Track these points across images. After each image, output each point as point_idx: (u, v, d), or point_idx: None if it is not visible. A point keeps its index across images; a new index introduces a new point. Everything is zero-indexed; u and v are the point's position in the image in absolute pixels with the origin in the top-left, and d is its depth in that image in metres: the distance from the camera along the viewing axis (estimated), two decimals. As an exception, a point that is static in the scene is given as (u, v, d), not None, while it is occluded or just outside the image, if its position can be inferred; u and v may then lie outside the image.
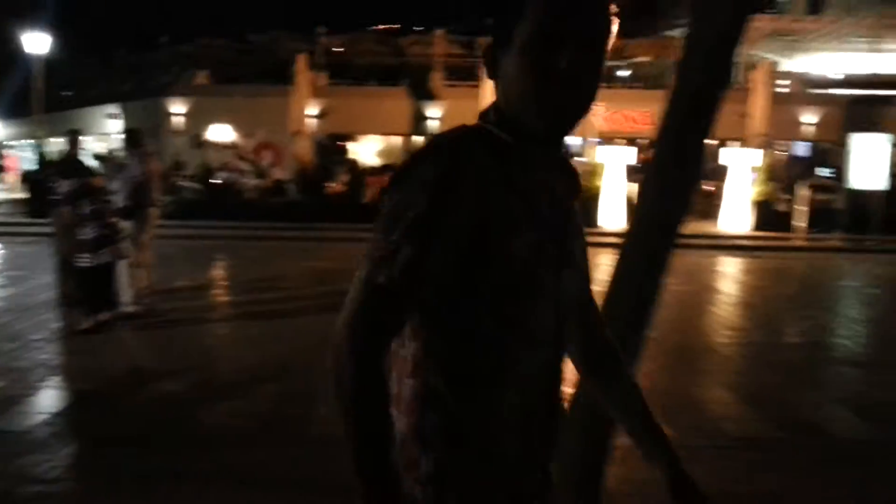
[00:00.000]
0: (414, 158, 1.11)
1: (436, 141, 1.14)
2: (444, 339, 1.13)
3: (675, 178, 2.66)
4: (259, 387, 5.20)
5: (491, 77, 1.19)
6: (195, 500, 3.46)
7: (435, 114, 22.42)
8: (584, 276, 1.32)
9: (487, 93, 17.83)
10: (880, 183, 14.79)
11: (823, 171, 18.59)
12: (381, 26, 43.65)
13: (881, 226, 14.53)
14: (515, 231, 1.10)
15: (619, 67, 27.81)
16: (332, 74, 23.80)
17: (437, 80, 22.95)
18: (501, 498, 1.18)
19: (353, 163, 19.94)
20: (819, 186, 15.81)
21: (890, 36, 21.05)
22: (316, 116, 21.02)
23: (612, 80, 26.59)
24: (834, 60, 25.20)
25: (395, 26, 43.05)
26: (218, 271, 10.57)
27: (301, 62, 19.86)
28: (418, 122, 22.60)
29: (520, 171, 1.13)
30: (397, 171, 1.12)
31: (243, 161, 18.80)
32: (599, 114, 19.35)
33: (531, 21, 1.10)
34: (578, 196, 1.27)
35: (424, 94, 22.60)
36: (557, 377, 1.24)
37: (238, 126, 20.46)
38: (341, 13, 35.48)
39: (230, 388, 5.19)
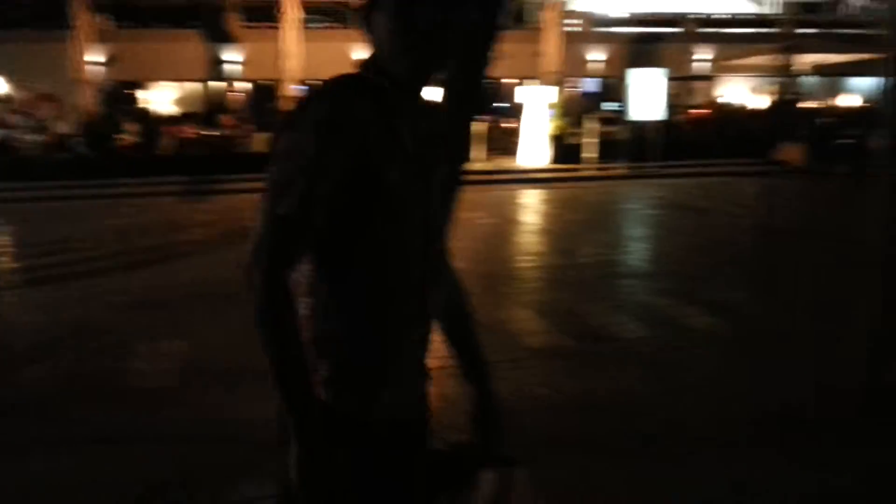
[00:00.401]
0: (304, 102, 1.25)
1: (322, 87, 1.28)
2: (331, 260, 1.28)
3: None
4: (59, 349, 4.90)
5: (365, 32, 1.34)
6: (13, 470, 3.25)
7: (234, 57, 21.36)
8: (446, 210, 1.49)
9: (288, 35, 17.30)
10: (658, 114, 16.28)
11: (611, 106, 20.06)
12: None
13: (660, 153, 16.10)
14: (390, 164, 1.26)
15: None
16: (117, 17, 21.79)
17: (233, 21, 21.78)
18: (390, 394, 1.34)
19: (145, 112, 18.59)
20: (606, 119, 17.12)
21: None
22: (101, 63, 19.22)
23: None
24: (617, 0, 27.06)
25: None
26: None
27: (79, 3, 17.91)
28: (216, 66, 21.40)
29: (392, 113, 1.29)
30: (289, 114, 1.26)
31: (19, 115, 16.87)
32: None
33: None
34: (444, 140, 1.45)
35: (220, 36, 21.37)
36: (429, 290, 1.38)
37: (10, 76, 18.29)
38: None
39: (28, 353, 4.83)
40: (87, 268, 7.49)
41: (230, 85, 23.10)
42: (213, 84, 23.31)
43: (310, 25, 20.89)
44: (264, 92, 23.86)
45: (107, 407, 3.95)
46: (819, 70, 20.85)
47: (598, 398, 3.99)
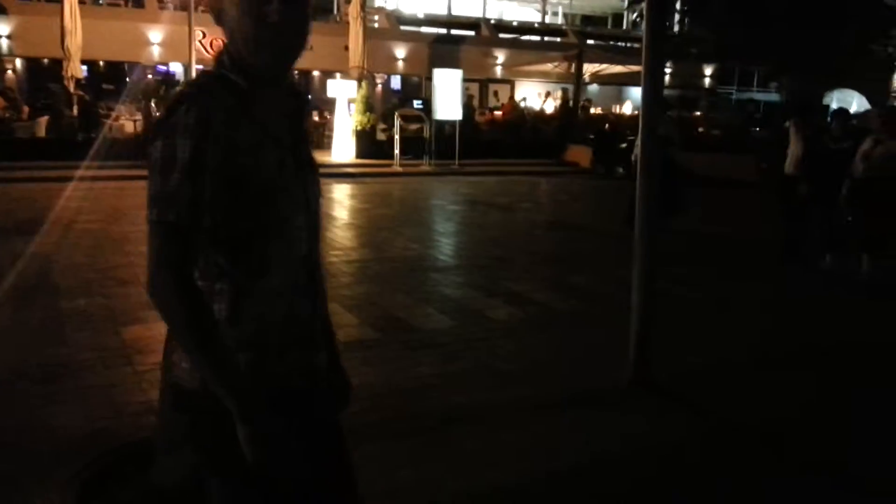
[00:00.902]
0: (170, 108, 1.31)
1: (186, 90, 1.35)
2: (220, 245, 1.36)
3: None
4: None
5: (218, 24, 1.40)
6: None
7: (5, 30, 19.22)
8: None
9: (69, 8, 15.84)
10: (456, 114, 17.02)
11: (417, 103, 20.62)
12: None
13: (461, 152, 16.86)
14: (260, 153, 1.36)
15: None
16: None
17: (4, -10, 19.57)
18: (287, 352, 1.47)
19: None
20: (410, 117, 17.59)
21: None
22: None
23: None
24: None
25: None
26: None
27: None
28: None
29: (256, 105, 1.38)
30: (159, 121, 1.32)
31: None
32: (200, 40, 18.54)
33: None
34: (306, 117, 1.57)
35: (-12, 7, 19.15)
36: (313, 256, 1.53)
37: None
38: None
39: None
40: None
41: (1, 61, 20.75)
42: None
43: (87, 1, 19.33)
44: (41, 70, 21.66)
45: None
46: (597, 79, 22.88)
47: (401, 387, 4.23)
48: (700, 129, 20.80)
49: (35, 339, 4.80)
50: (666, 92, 27.84)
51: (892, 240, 7.05)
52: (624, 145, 15.19)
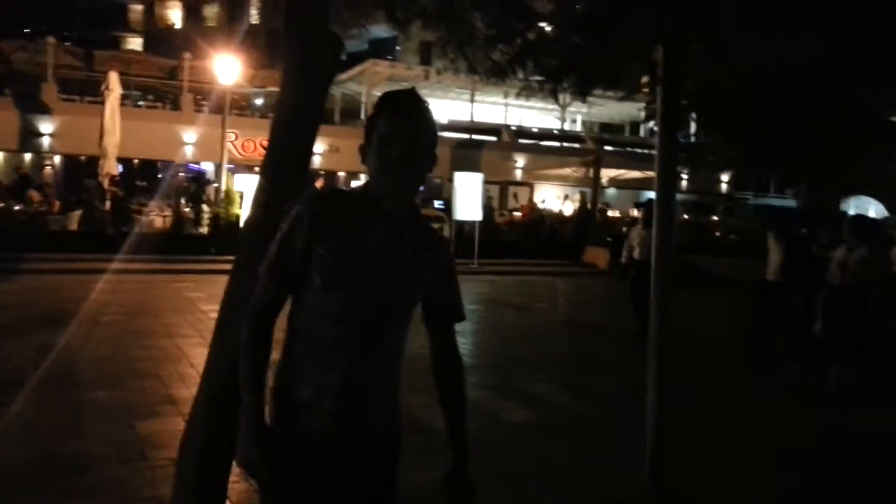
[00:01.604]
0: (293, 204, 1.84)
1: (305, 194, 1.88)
2: (292, 305, 1.84)
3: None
4: None
5: (363, 163, 1.82)
6: None
7: (48, 129, 20.20)
8: (434, 297, 1.95)
9: (110, 110, 16.68)
10: (476, 215, 17.38)
11: (438, 203, 21.12)
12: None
13: (480, 252, 17.11)
14: (326, 245, 1.76)
15: (256, 96, 28.15)
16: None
17: (49, 92, 20.71)
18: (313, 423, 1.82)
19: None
20: (431, 217, 17.94)
21: (485, 89, 24.78)
22: None
23: (245, 109, 26.80)
24: (442, 106, 28.93)
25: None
26: None
27: None
28: (28, 137, 20.08)
29: (353, 215, 1.79)
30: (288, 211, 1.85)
31: None
32: (232, 141, 19.37)
33: (376, 130, 1.77)
34: (428, 243, 1.89)
35: (35, 106, 20.21)
36: (359, 350, 1.81)
37: None
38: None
39: None
40: None
41: (41, 157, 21.71)
42: (26, 155, 21.80)
43: (126, 103, 20.35)
44: (78, 167, 22.63)
45: None
46: (615, 183, 23.36)
47: (416, 490, 4.18)
48: (717, 234, 20.98)
49: (54, 430, 4.85)
50: (682, 197, 28.28)
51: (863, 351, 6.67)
52: (609, 238, 15.24)
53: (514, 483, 4.34)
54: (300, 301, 1.81)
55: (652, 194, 4.52)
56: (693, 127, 6.23)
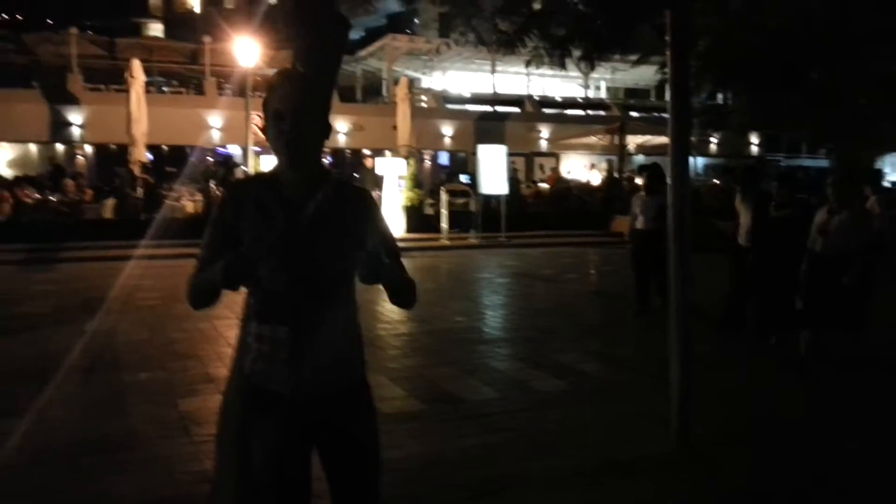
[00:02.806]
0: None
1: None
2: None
3: None
4: None
5: (265, 136, 2.11)
6: None
7: (77, 119, 20.53)
8: (344, 245, 2.09)
9: (135, 97, 16.93)
10: (502, 188, 17.36)
11: (465, 178, 21.12)
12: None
13: (507, 224, 17.13)
14: (252, 222, 2.04)
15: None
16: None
17: (75, 82, 21.02)
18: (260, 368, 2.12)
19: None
20: (457, 191, 18.01)
21: (506, 59, 24.61)
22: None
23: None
24: (463, 79, 28.75)
25: (18, 18, 38.07)
26: None
27: None
28: (58, 128, 20.44)
29: (262, 190, 2.07)
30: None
31: None
32: (257, 123, 19.47)
33: (270, 106, 2.05)
34: (343, 197, 2.11)
35: (62, 97, 20.53)
36: (296, 307, 2.05)
37: None
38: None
39: None
40: None
41: (72, 147, 22.09)
42: (57, 146, 22.20)
43: (151, 90, 20.59)
44: (108, 155, 23.00)
45: None
46: (642, 150, 23.09)
47: (446, 457, 4.31)
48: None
49: (98, 411, 5.06)
50: (711, 161, 27.75)
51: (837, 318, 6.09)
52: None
53: (543, 449, 4.44)
54: None
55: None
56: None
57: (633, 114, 27.18)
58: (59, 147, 22.83)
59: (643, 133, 22.04)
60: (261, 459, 2.09)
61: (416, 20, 29.75)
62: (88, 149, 22.54)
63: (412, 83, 21.62)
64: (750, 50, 4.65)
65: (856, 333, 6.13)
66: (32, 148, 23.99)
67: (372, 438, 2.21)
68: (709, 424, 4.65)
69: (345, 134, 23.16)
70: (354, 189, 2.20)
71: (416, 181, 18.28)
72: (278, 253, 2.02)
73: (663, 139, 21.42)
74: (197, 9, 41.25)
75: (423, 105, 24.96)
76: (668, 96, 4.21)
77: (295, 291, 2.03)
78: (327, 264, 2.06)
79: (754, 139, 29.90)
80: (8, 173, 19.65)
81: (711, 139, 27.52)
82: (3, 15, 38.92)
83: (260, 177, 2.17)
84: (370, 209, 2.15)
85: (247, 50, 17.16)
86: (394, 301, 2.18)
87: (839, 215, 5.95)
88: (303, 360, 2.04)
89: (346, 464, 2.16)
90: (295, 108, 2.00)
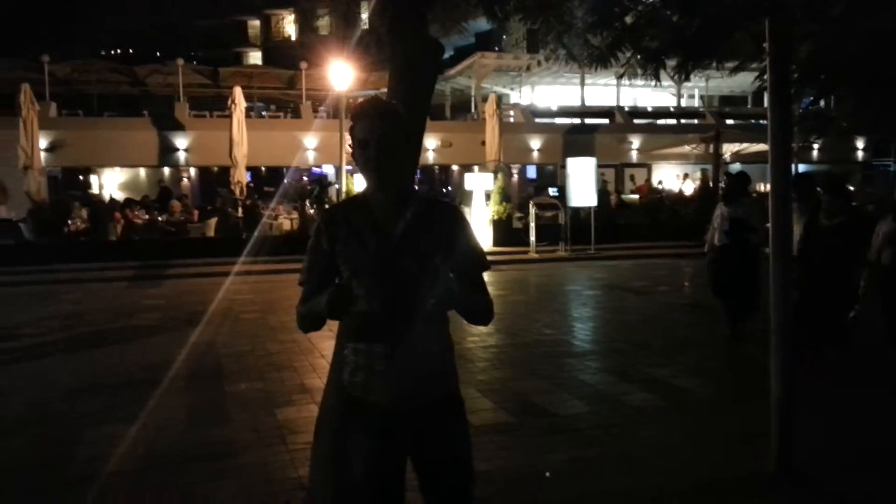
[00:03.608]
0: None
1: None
2: None
3: None
4: (7, 436, 4.97)
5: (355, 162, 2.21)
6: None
7: (183, 144, 21.70)
8: (456, 256, 2.18)
9: (237, 122, 17.78)
10: (591, 200, 17.13)
11: (553, 191, 20.96)
12: (114, 52, 41.00)
13: (597, 237, 16.88)
14: (346, 245, 2.15)
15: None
16: (64, 104, 22.05)
17: (182, 109, 22.24)
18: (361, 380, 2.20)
19: (95, 198, 18.61)
20: (545, 205, 17.91)
21: (596, 72, 24.36)
22: (46, 149, 19.23)
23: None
24: (551, 93, 28.63)
25: (129, 52, 40.71)
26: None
27: (26, 91, 17.90)
28: (166, 153, 21.68)
29: (353, 212, 2.19)
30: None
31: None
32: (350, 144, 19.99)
33: (356, 135, 2.16)
34: (433, 215, 2.19)
35: (170, 124, 21.77)
36: (392, 324, 2.13)
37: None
38: (66, 37, 32.71)
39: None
40: (34, 353, 7.53)
41: (178, 171, 23.36)
42: (165, 169, 23.50)
43: (251, 115, 21.52)
44: (210, 177, 24.20)
45: (59, 495, 4.07)
46: (739, 158, 22.29)
47: (536, 471, 4.29)
48: (853, 204, 19.58)
49: (201, 419, 5.33)
50: (814, 168, 26.49)
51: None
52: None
53: (634, 466, 4.36)
54: None
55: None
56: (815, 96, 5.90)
57: (729, 122, 26.30)
58: (166, 170, 24.18)
59: (739, 141, 21.28)
60: (358, 468, 2.16)
61: (503, 37, 29.87)
62: (193, 171, 23.77)
63: (500, 99, 21.70)
64: (855, 55, 4.44)
65: None
66: (142, 172, 25.51)
67: (464, 448, 2.27)
68: (814, 444, 4.42)
69: (433, 150, 23.48)
70: (442, 206, 2.29)
71: (505, 195, 18.30)
72: (372, 274, 2.12)
73: (761, 146, 20.62)
74: (293, 36, 42.95)
75: (511, 120, 24.99)
76: (766, 103, 4.08)
77: (389, 309, 2.12)
78: (419, 282, 2.12)
79: (860, 143, 28.33)
80: (119, 196, 20.99)
81: (814, 145, 26.27)
82: (118, 49, 41.76)
83: (351, 201, 2.28)
84: (457, 225, 2.21)
85: (341, 74, 17.70)
86: (468, 320, 2.27)
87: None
88: (398, 373, 2.13)
89: (439, 473, 2.22)
90: (379, 137, 2.11)
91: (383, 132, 2.12)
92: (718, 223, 7.85)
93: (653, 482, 4.08)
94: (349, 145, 2.18)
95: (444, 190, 27.45)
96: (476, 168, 21.10)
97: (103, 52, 38.15)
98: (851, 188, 23.19)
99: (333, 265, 2.16)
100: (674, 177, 25.81)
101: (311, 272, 2.21)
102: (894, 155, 29.48)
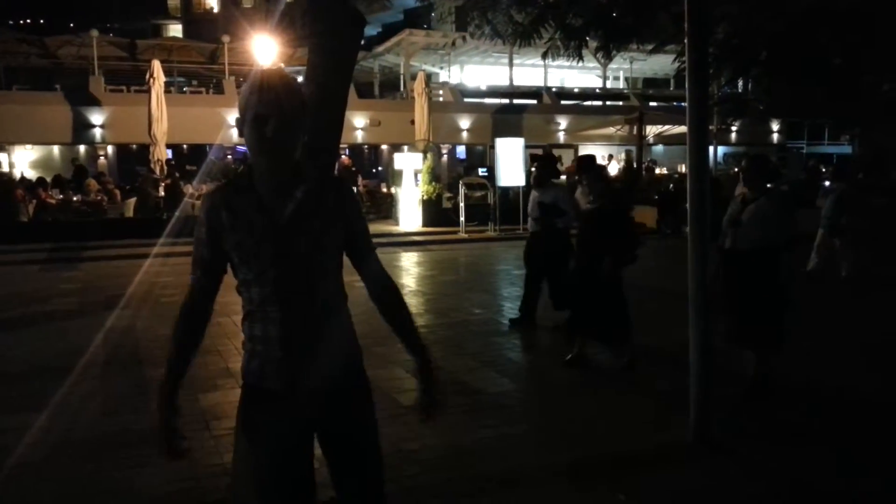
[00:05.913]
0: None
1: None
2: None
3: None
4: None
5: (241, 136, 2.04)
6: None
7: (99, 120, 20.78)
8: (349, 234, 2.12)
9: (156, 98, 17.10)
10: (520, 180, 17.30)
11: (482, 171, 21.06)
12: (22, 21, 38.80)
13: (524, 217, 17.05)
14: (229, 233, 2.02)
15: (296, 74, 28.38)
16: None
17: (97, 83, 21.26)
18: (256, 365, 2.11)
19: (5, 176, 17.65)
20: (475, 185, 17.98)
21: (524, 52, 24.50)
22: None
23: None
24: (480, 73, 28.69)
25: (40, 21, 38.61)
26: None
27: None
28: (80, 129, 20.70)
29: (235, 197, 2.04)
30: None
31: None
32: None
33: (251, 109, 1.95)
34: (323, 191, 2.07)
35: (84, 99, 20.79)
36: (287, 302, 2.03)
37: None
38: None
39: None
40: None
41: (94, 148, 22.37)
42: (80, 147, 22.47)
43: (171, 90, 20.76)
44: (128, 155, 23.26)
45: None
46: (661, 139, 22.92)
47: (462, 449, 4.33)
48: (769, 186, 20.41)
49: (120, 405, 5.14)
50: (732, 150, 27.44)
51: None
52: (657, 197, 14.83)
53: (561, 440, 4.44)
54: (236, 277, 2.09)
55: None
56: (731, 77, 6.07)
57: (652, 104, 26.97)
58: (82, 148, 23.13)
59: (662, 122, 21.87)
60: (260, 458, 2.05)
61: (432, 14, 29.71)
62: (110, 149, 22.81)
63: (429, 78, 21.62)
64: (770, 37, 4.58)
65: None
66: (55, 149, 24.33)
67: (371, 432, 2.18)
68: (730, 415, 4.61)
69: (362, 129, 23.21)
70: (332, 181, 2.15)
71: (434, 175, 18.28)
72: (260, 257, 2.00)
73: (682, 128, 21.23)
74: (215, 8, 41.56)
75: (441, 99, 24.94)
76: (686, 85, 4.18)
77: (282, 290, 2.01)
78: (312, 260, 2.02)
79: (775, 126, 29.53)
80: (31, 175, 19.96)
81: (732, 127, 27.25)
82: (26, 19, 39.49)
83: (233, 182, 2.10)
84: (349, 203, 2.12)
85: (265, 48, 17.27)
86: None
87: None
88: (296, 357, 2.03)
89: (346, 458, 2.13)
90: (282, 114, 1.93)
91: (288, 108, 1.93)
92: (530, 209, 7.57)
93: (576, 455, 4.17)
94: (236, 120, 1.99)
95: (374, 171, 27.21)
96: (406, 148, 21.00)
97: (11, 22, 36.06)
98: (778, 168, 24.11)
99: (220, 254, 2.05)
100: (600, 158, 26.32)
101: (195, 265, 2.12)
102: (806, 138, 30.88)
